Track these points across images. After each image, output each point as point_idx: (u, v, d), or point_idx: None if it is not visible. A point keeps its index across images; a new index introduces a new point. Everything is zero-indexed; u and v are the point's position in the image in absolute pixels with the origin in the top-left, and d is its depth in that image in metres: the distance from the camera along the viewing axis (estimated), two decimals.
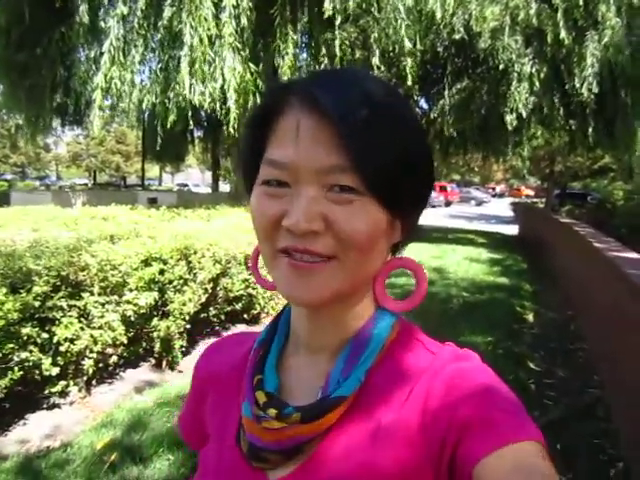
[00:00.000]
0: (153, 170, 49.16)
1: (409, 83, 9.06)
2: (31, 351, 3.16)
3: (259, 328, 0.72)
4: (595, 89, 8.88)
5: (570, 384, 4.26)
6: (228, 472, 0.62)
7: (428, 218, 20.93)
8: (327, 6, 7.04)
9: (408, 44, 7.64)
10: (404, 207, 0.56)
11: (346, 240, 0.53)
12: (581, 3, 8.84)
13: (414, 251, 11.06)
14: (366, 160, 0.51)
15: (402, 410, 0.55)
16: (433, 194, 35.26)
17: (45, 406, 3.50)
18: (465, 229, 17.94)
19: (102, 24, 7.15)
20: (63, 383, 3.46)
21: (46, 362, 3.25)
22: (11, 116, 12.34)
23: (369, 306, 0.62)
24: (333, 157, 0.51)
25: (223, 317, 5.00)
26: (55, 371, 3.30)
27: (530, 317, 6.33)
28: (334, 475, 0.55)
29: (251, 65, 7.36)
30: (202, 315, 4.63)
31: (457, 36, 9.50)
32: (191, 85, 6.61)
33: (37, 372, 3.25)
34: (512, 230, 17.81)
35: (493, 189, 58.68)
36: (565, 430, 3.44)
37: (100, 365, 3.79)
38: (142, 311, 3.96)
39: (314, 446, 0.56)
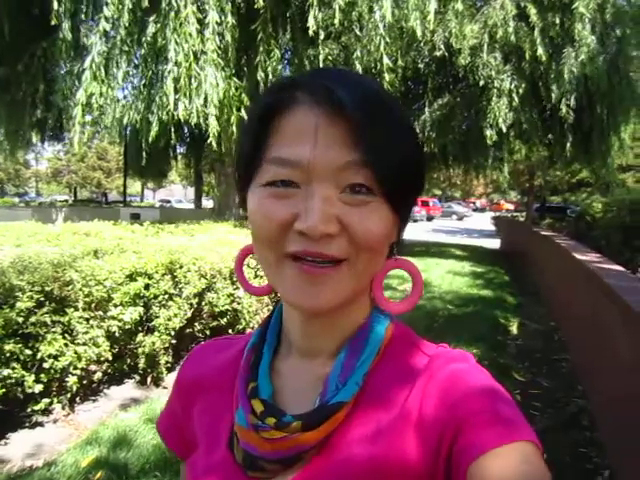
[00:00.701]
0: (134, 186, 48.91)
1: None
2: (14, 368, 3.11)
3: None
4: (572, 104, 9.10)
5: (555, 394, 4.30)
6: None
7: (411, 232, 21.12)
8: (310, 22, 7.12)
9: (387, 61, 7.74)
10: (408, 206, 0.57)
11: (360, 242, 0.52)
12: (557, 21, 9.10)
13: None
14: (382, 157, 0.51)
15: (400, 413, 0.55)
16: (415, 209, 35.54)
17: (27, 424, 3.43)
18: (448, 243, 18.10)
19: (85, 40, 7.13)
20: (46, 401, 3.40)
21: (29, 379, 3.19)
22: None
23: (365, 308, 0.62)
24: (350, 154, 0.50)
25: (208, 332, 4.95)
26: (38, 388, 3.24)
27: (514, 329, 6.39)
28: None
29: (235, 80, 7.41)
30: (187, 330, 4.58)
31: (438, 53, 9.67)
32: (176, 100, 6.62)
33: (20, 389, 3.20)
34: (494, 244, 18.02)
35: (473, 203, 59.38)
36: (551, 440, 3.46)
37: (84, 382, 3.73)
38: (127, 327, 3.92)
39: (314, 453, 0.55)
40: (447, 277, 9.89)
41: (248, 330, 5.50)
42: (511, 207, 45.98)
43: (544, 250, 8.65)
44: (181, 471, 0.73)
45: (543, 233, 9.74)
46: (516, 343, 5.77)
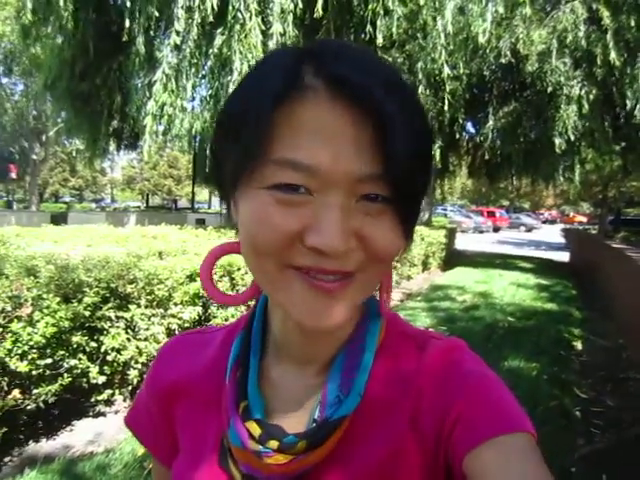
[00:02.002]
0: (203, 194, 50.51)
1: (445, 108, 9.05)
2: (80, 359, 3.31)
3: None
4: None
5: (619, 414, 4.08)
6: None
7: (475, 244, 20.58)
8: (373, 32, 7.17)
9: (448, 70, 7.68)
10: (419, 211, 0.52)
11: (376, 254, 0.47)
12: (632, 24, 8.68)
13: (459, 275, 10.90)
14: (408, 168, 0.44)
15: (398, 412, 0.54)
16: (481, 219, 34.71)
17: (91, 414, 3.63)
18: (513, 255, 17.53)
19: (157, 53, 7.51)
20: (109, 392, 3.59)
21: (93, 370, 3.39)
22: (70, 141, 13.05)
23: (359, 310, 0.58)
24: (370, 162, 0.44)
25: None
26: (102, 379, 3.43)
27: (579, 344, 6.11)
28: None
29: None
30: None
31: (504, 59, 9.47)
32: None
33: (85, 380, 3.40)
34: (563, 257, 17.28)
35: (542, 214, 57.18)
36: (612, 460, 3.30)
37: (145, 376, 3.90)
38: (186, 325, 4.07)
39: (318, 467, 0.53)
40: (510, 289, 9.58)
41: None
42: (584, 219, 43.94)
43: (615, 264, 8.22)
44: (153, 467, 0.73)
45: (615, 246, 9.27)
46: (580, 359, 5.51)
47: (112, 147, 15.12)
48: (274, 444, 0.52)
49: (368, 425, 0.54)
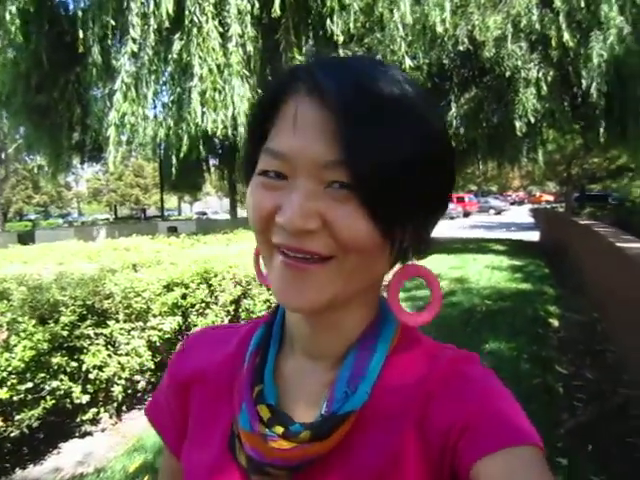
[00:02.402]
0: (172, 201, 49.99)
1: None
2: (61, 380, 3.25)
3: None
4: (604, 88, 8.86)
5: (599, 385, 4.20)
6: None
7: (447, 230, 20.86)
8: (331, 27, 7.19)
9: (409, 62, 7.76)
10: (408, 211, 0.51)
11: (344, 241, 0.49)
12: (583, 5, 8.88)
13: (434, 263, 11.03)
14: (365, 156, 0.47)
15: (406, 417, 0.54)
16: (450, 206, 35.03)
17: (77, 434, 3.57)
18: (485, 238, 17.80)
19: (114, 62, 7.39)
20: (94, 410, 3.54)
21: (76, 390, 3.33)
22: (31, 157, 12.76)
23: (372, 309, 0.59)
24: (332, 150, 0.47)
25: None
26: (85, 399, 3.38)
27: (555, 321, 6.25)
28: None
29: (260, 91, 7.53)
30: None
31: (462, 47, 9.58)
32: (203, 114, 6.79)
33: (68, 400, 3.34)
34: (533, 236, 17.63)
35: (510, 196, 58.18)
36: (596, 431, 3.39)
37: (129, 391, 3.86)
38: (167, 336, 4.03)
39: (321, 459, 0.54)
40: (485, 272, 9.74)
41: None
42: (550, 198, 44.92)
43: (584, 240, 8.44)
44: (163, 460, 0.75)
45: (582, 222, 9.50)
46: (558, 335, 5.64)
47: (75, 160, 14.85)
48: (280, 429, 0.54)
49: (374, 426, 0.55)
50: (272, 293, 0.54)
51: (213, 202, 63.45)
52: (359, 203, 0.48)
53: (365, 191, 0.48)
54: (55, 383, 3.20)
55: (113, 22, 6.66)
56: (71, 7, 9.49)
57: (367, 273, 0.53)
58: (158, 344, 3.98)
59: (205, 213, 47.54)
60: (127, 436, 3.62)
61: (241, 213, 25.82)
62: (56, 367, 3.22)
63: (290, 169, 0.49)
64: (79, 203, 54.41)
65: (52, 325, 3.20)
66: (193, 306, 4.29)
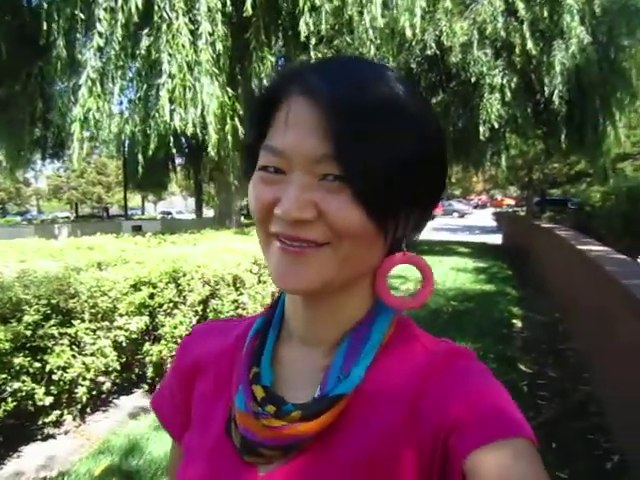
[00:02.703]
0: (135, 200, 49.04)
1: None
2: (24, 381, 3.14)
3: None
4: (565, 96, 9.14)
5: (562, 383, 4.32)
6: (217, 464, 0.61)
7: None
8: (302, 28, 7.18)
9: None
10: (401, 204, 0.54)
11: (338, 229, 0.52)
12: (546, 14, 9.15)
13: (399, 265, 11.13)
14: (353, 150, 0.50)
15: (399, 407, 0.55)
16: None
17: (39, 437, 3.46)
18: (450, 241, 18.11)
19: (79, 56, 7.20)
20: (57, 412, 3.43)
21: (39, 392, 3.23)
22: None
23: (368, 298, 0.61)
24: (323, 145, 0.50)
25: None
26: (49, 400, 3.28)
27: (519, 322, 6.41)
28: (329, 469, 0.55)
29: (229, 90, 7.47)
30: None
31: (429, 51, 9.73)
32: (172, 111, 6.68)
33: (30, 402, 3.23)
34: (496, 239, 18.02)
35: (472, 200, 59.28)
36: (559, 428, 3.49)
37: (94, 393, 3.76)
38: (133, 336, 3.96)
39: (312, 442, 0.55)
40: (451, 274, 9.91)
41: None
42: (512, 202, 45.96)
43: (545, 243, 8.67)
44: (171, 452, 0.76)
45: (543, 226, 9.76)
46: (521, 335, 5.79)
47: (36, 156, 14.41)
48: (272, 408, 0.56)
49: (366, 412, 0.56)
50: (271, 278, 0.57)
51: (177, 202, 62.62)
52: (351, 194, 0.51)
53: (356, 183, 0.51)
54: (17, 384, 3.09)
55: (82, 15, 6.47)
56: None
57: (361, 260, 0.55)
58: (124, 344, 3.90)
59: (170, 213, 46.86)
60: (91, 439, 3.54)
61: (207, 213, 25.57)
62: (18, 368, 3.11)
63: (287, 164, 0.53)
64: (38, 200, 52.84)
65: (14, 324, 3.10)
66: (161, 306, 4.22)
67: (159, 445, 3.28)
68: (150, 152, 7.39)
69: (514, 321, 6.42)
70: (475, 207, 54.47)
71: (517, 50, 9.43)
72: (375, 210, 0.52)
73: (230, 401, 0.61)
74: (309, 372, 0.60)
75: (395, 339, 0.60)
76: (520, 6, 9.08)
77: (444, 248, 14.87)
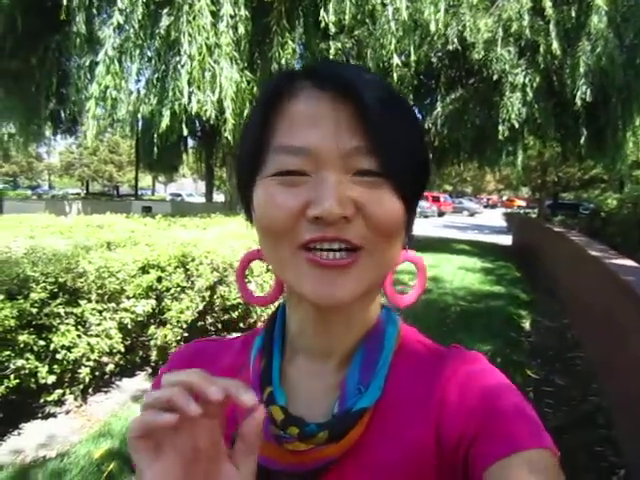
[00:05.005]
0: (145, 180, 49.09)
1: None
2: (27, 359, 3.12)
3: None
4: (589, 98, 8.97)
5: (569, 392, 4.26)
6: None
7: (422, 228, 21.02)
8: (323, 16, 7.08)
9: (397, 60, 7.70)
10: (416, 197, 0.55)
11: (377, 225, 0.50)
12: (573, 14, 8.97)
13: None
14: (389, 142, 0.49)
15: (419, 414, 0.54)
16: (426, 204, 35.38)
17: (40, 415, 3.45)
18: (459, 239, 18.00)
19: (99, 33, 7.13)
20: (59, 392, 3.42)
21: (42, 370, 3.21)
22: (3, 124, 12.28)
23: (377, 305, 0.60)
24: (356, 139, 0.49)
25: (220, 325, 4.96)
26: (51, 379, 3.26)
27: (527, 325, 6.34)
28: None
29: (247, 74, 7.39)
30: (199, 323, 4.59)
31: (451, 47, 9.57)
32: (190, 93, 6.62)
33: (33, 380, 3.22)
34: (505, 240, 17.89)
35: (483, 199, 58.96)
36: (565, 438, 3.43)
37: (96, 374, 3.75)
38: (139, 319, 3.93)
39: (336, 463, 0.52)
40: (459, 273, 9.83)
41: (259, 324, 5.49)
42: (523, 204, 45.65)
43: (557, 247, 8.56)
44: None
45: (556, 229, 9.65)
46: (529, 340, 5.72)
47: (48, 131, 14.41)
48: (294, 431, 0.52)
49: (391, 422, 0.54)
50: (299, 293, 0.52)
51: (188, 184, 62.67)
52: (387, 188, 0.50)
53: (396, 177, 0.50)
54: (20, 362, 3.08)
55: None
56: None
57: (391, 260, 0.55)
58: (130, 327, 3.87)
59: (180, 195, 46.82)
60: (92, 419, 3.52)
61: (217, 198, 25.54)
62: (23, 345, 3.10)
63: (312, 164, 0.49)
64: (50, 176, 53.04)
65: (21, 301, 3.07)
66: (168, 290, 4.19)
67: None
68: (162, 131, 7.33)
69: (522, 324, 6.35)
70: (485, 206, 54.18)
71: (541, 50, 9.25)
72: (411, 203, 0.53)
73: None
74: (321, 388, 0.57)
75: (405, 346, 0.59)
76: (547, 4, 8.87)
77: (452, 246, 14.78)
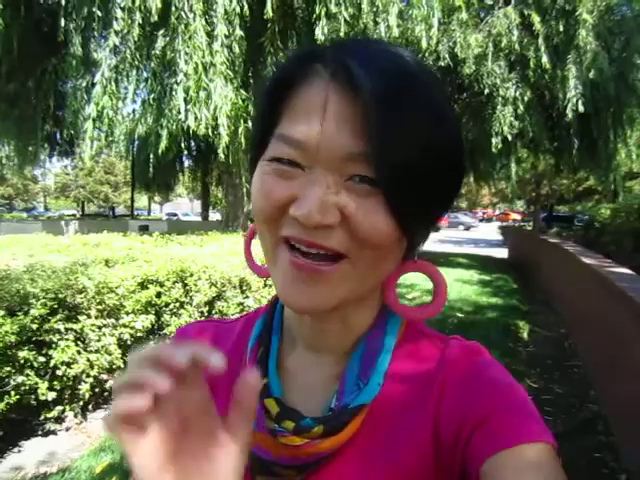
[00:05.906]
0: (141, 200, 49.17)
1: None
2: (27, 375, 3.13)
3: None
4: (580, 109, 9.09)
5: (567, 400, 4.27)
6: None
7: None
8: (317, 35, 7.20)
9: None
10: (425, 208, 0.50)
11: (362, 238, 0.46)
12: (561, 29, 9.14)
13: (407, 274, 11.09)
14: (392, 153, 0.44)
15: (417, 408, 0.53)
16: None
17: (40, 432, 3.44)
18: (455, 253, 18.04)
19: (95, 55, 7.24)
20: (59, 408, 3.42)
21: (42, 386, 3.21)
22: None
23: (378, 303, 0.58)
24: (356, 143, 0.45)
25: None
26: (51, 396, 3.26)
27: (525, 335, 6.35)
28: None
29: (242, 92, 7.49)
30: None
31: (442, 63, 9.72)
32: (186, 111, 6.70)
33: (33, 397, 3.22)
34: (501, 253, 17.95)
35: (477, 213, 59.15)
36: (565, 445, 3.43)
37: (96, 390, 3.74)
38: (139, 334, 3.94)
39: (332, 457, 0.52)
40: (455, 285, 9.85)
41: None
42: (518, 217, 45.81)
43: (552, 257, 8.61)
44: None
45: (551, 240, 9.70)
46: (527, 350, 5.73)
47: (44, 153, 14.48)
48: (290, 424, 0.51)
49: (389, 419, 0.53)
50: (276, 289, 0.50)
51: (184, 204, 62.75)
52: (381, 199, 0.46)
53: (390, 187, 0.46)
54: (21, 378, 3.08)
55: (99, 12, 6.49)
56: None
57: (379, 272, 0.51)
58: (129, 342, 3.88)
59: (175, 214, 46.87)
60: (92, 436, 3.51)
61: (213, 216, 25.59)
62: (23, 361, 3.10)
63: (308, 158, 0.46)
64: (45, 197, 53.04)
65: (21, 317, 3.09)
66: (167, 305, 4.20)
67: None
68: (161, 152, 7.40)
69: (520, 335, 6.37)
70: (481, 220, 54.34)
71: (531, 63, 9.42)
72: (404, 217, 0.47)
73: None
74: (319, 381, 0.56)
75: (406, 340, 0.58)
76: (536, 19, 9.07)
77: (448, 260, 14.80)
